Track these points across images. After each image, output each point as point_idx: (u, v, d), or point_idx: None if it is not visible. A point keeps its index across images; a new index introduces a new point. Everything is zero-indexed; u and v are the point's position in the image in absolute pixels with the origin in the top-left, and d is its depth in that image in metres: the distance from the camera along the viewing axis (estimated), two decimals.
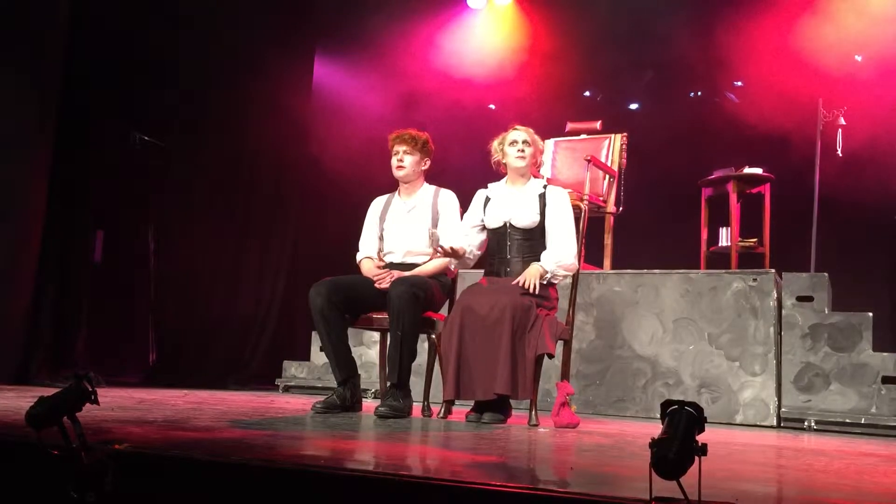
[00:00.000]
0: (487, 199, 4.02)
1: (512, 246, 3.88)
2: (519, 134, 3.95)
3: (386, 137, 4.20)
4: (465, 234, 4.01)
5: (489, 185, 4.08)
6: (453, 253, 3.81)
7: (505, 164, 4.00)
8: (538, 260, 3.82)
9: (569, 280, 3.97)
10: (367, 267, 4.11)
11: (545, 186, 3.95)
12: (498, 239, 3.92)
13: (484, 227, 4.01)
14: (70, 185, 5.55)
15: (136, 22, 5.81)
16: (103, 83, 5.79)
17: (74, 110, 5.54)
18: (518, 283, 3.68)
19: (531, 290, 3.66)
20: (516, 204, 3.90)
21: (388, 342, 3.88)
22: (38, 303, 5.31)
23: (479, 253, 4.07)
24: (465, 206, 4.17)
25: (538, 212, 3.85)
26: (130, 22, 5.79)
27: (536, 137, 4.01)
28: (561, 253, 3.78)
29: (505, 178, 4.05)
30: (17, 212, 5.20)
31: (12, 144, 5.13)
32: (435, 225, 4.09)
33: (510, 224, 3.88)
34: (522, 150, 3.92)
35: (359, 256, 4.22)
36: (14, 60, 5.15)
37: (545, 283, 3.75)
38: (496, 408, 3.66)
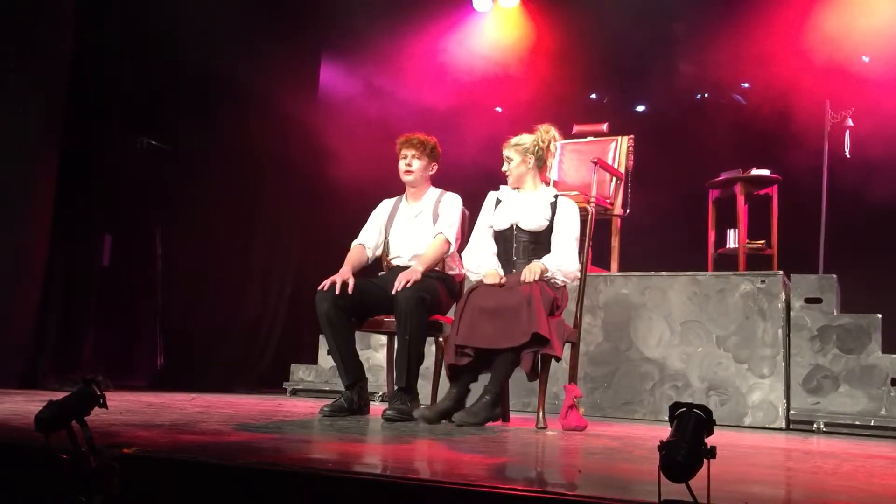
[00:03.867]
0: (498, 201, 4.01)
1: (518, 248, 3.87)
2: (504, 151, 3.96)
3: (393, 140, 4.19)
4: (484, 234, 3.97)
5: (501, 187, 4.07)
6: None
7: None
8: None
9: (576, 283, 3.96)
10: (353, 255, 4.12)
11: (556, 196, 3.94)
12: (504, 240, 3.91)
13: None
14: (77, 189, 5.56)
15: (141, 24, 5.83)
16: (109, 86, 5.80)
17: (81, 113, 5.56)
18: (521, 280, 3.66)
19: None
20: (525, 207, 3.89)
21: (396, 346, 3.88)
22: (46, 306, 5.32)
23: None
24: (473, 208, 4.17)
25: (548, 217, 3.84)
26: (136, 24, 5.81)
27: (541, 135, 3.94)
28: (564, 259, 3.78)
29: None
30: (25, 215, 5.21)
31: (19, 147, 5.14)
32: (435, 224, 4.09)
33: (517, 226, 3.87)
34: (506, 171, 3.95)
35: (354, 242, 4.21)
36: (20, 63, 5.17)
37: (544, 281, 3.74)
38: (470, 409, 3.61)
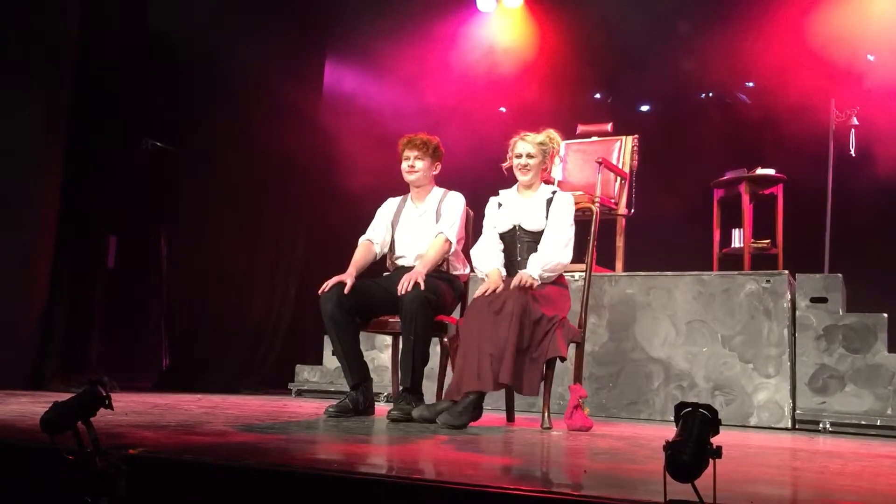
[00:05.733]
0: (499, 205, 4.01)
1: (522, 248, 3.88)
2: (524, 146, 3.90)
3: (397, 140, 4.19)
4: (492, 235, 3.97)
5: (500, 191, 4.07)
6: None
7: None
8: None
9: (581, 283, 3.96)
10: (359, 254, 4.10)
11: (554, 192, 3.93)
12: (508, 242, 3.92)
13: None
14: (82, 191, 5.58)
15: (145, 24, 5.84)
16: (114, 86, 5.82)
17: (85, 114, 5.58)
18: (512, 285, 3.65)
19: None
20: (526, 208, 3.90)
21: (401, 346, 3.88)
22: (52, 308, 5.34)
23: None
24: (477, 207, 4.17)
25: (545, 216, 3.84)
26: (140, 24, 5.82)
27: (550, 138, 3.94)
28: (546, 256, 3.76)
29: (516, 185, 4.04)
30: (30, 217, 5.23)
31: (25, 149, 5.16)
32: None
33: (520, 227, 3.88)
34: (526, 165, 3.89)
35: (361, 238, 4.20)
36: (26, 64, 5.18)
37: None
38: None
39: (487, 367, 3.47)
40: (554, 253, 3.77)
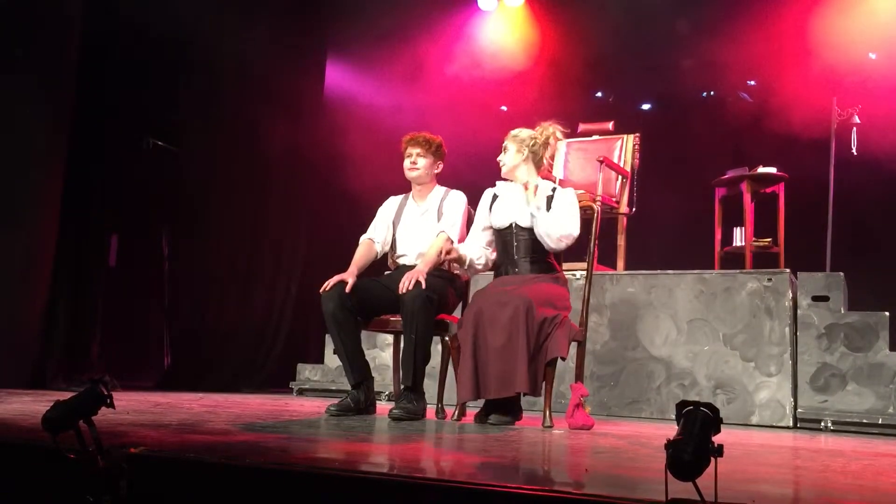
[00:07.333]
0: (495, 198, 4.00)
1: (519, 246, 3.86)
2: (505, 141, 3.96)
3: (398, 139, 4.20)
4: (477, 236, 3.98)
5: (497, 183, 4.06)
6: (457, 260, 3.81)
7: None
8: (546, 259, 3.85)
9: (582, 282, 3.96)
10: (360, 252, 4.11)
11: (554, 189, 3.93)
12: (504, 239, 3.91)
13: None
14: (84, 190, 5.58)
15: (147, 25, 5.84)
16: (116, 86, 5.82)
17: (88, 114, 5.58)
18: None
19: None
20: (522, 204, 3.88)
21: (402, 345, 3.88)
22: (54, 307, 5.34)
23: (493, 256, 3.98)
24: (476, 207, 4.16)
25: (545, 211, 3.83)
26: (142, 25, 5.82)
27: (530, 134, 3.92)
28: (552, 225, 3.76)
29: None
30: (32, 216, 5.23)
31: (27, 148, 5.16)
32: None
33: (516, 224, 3.86)
34: (501, 158, 3.95)
35: (363, 237, 4.20)
36: (27, 64, 5.18)
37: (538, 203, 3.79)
38: (504, 409, 3.66)
39: (490, 375, 3.54)
40: (557, 226, 3.75)
